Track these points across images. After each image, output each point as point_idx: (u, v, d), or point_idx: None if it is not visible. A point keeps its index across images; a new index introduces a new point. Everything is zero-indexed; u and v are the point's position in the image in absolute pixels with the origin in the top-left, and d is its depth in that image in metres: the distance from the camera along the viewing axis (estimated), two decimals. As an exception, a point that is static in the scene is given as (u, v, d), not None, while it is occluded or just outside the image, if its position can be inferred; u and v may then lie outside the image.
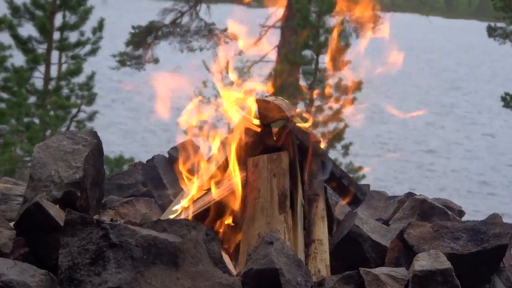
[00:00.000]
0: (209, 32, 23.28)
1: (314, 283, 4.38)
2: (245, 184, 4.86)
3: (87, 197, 4.97)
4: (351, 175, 7.83)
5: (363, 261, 4.82)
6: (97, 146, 5.17)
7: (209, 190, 4.98)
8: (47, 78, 18.09)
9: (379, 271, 4.35)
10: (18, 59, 18.18)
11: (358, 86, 18.59)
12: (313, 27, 18.72)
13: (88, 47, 18.36)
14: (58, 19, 18.18)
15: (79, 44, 18.23)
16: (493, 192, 26.25)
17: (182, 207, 4.98)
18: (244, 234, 4.75)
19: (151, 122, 30.26)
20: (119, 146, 24.05)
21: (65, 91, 18.12)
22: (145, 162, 6.07)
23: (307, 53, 19.15)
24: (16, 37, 17.75)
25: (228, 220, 4.96)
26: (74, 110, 17.89)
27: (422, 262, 4.29)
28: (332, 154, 18.66)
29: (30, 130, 16.73)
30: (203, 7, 23.94)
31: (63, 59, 18.35)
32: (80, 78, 18.39)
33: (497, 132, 35.10)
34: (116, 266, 3.90)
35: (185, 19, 23.87)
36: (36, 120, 17.35)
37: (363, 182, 16.05)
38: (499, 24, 23.93)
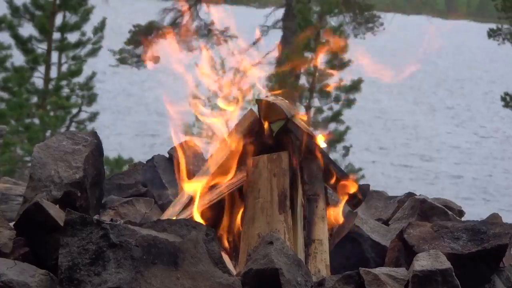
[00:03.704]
0: (209, 32, 23.29)
1: (314, 283, 4.37)
2: (245, 184, 4.86)
3: (87, 197, 4.97)
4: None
5: (363, 261, 4.81)
6: (97, 146, 5.17)
7: (209, 189, 4.97)
8: (47, 78, 18.08)
9: (379, 271, 4.35)
10: (18, 59, 18.17)
11: (357, 87, 18.58)
12: (314, 27, 18.72)
13: (88, 47, 18.35)
14: (58, 19, 18.17)
15: (80, 44, 18.22)
16: (490, 199, 26.23)
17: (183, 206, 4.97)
18: (244, 234, 4.75)
19: (151, 122, 30.23)
20: (119, 146, 24.03)
21: (65, 91, 18.12)
22: (145, 162, 6.07)
23: (307, 53, 19.15)
24: (16, 37, 17.75)
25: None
26: (74, 111, 17.89)
27: (422, 262, 4.29)
28: (332, 155, 18.66)
29: (30, 131, 16.74)
30: (202, 7, 23.94)
31: (63, 60, 18.34)
32: (80, 78, 18.39)
33: (497, 133, 35.08)
34: (116, 266, 3.90)
35: (185, 19, 23.87)
36: (36, 121, 17.35)
37: (363, 182, 16.05)
38: (499, 26, 23.93)
